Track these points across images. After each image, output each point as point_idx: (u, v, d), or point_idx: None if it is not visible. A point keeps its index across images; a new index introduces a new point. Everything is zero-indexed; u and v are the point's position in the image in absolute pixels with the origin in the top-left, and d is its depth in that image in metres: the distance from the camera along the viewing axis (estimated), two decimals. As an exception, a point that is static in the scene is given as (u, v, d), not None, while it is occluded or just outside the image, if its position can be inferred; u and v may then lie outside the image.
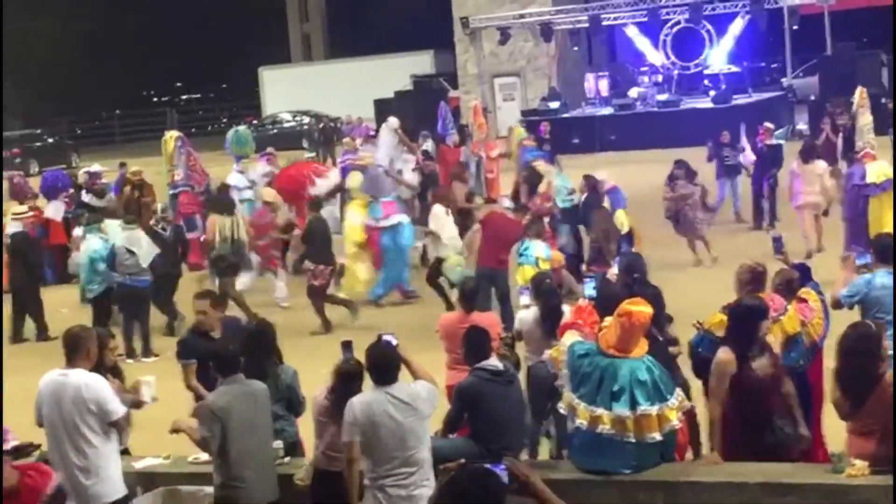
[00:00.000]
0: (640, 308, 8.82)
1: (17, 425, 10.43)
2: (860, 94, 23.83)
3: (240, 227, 18.96)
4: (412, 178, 22.97)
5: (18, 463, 7.73)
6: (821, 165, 20.37)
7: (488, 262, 16.32)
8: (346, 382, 8.80)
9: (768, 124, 24.43)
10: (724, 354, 8.90)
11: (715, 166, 24.00)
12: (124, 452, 9.64)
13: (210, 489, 9.00)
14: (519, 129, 22.22)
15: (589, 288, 11.12)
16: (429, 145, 27.06)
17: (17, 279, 19.41)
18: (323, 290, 18.02)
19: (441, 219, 18.30)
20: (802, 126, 37.11)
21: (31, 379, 10.76)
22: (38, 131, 55.29)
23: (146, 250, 17.41)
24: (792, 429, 8.98)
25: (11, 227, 20.14)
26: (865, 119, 23.34)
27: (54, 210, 23.34)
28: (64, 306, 20.85)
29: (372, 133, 35.76)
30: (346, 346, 9.19)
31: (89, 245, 17.75)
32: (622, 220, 17.73)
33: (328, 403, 8.87)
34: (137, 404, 9.42)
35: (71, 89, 67.83)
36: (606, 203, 18.58)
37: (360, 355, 8.87)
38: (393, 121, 24.10)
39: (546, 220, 18.01)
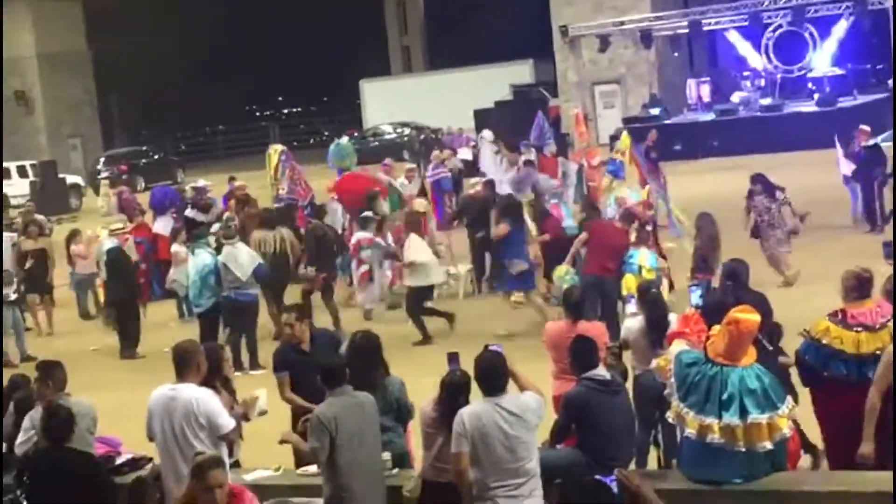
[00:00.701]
0: (748, 316, 8.74)
1: (126, 440, 10.61)
2: None
3: (284, 242, 19.11)
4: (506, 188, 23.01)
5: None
6: None
7: (595, 270, 16.25)
8: (453, 394, 8.81)
9: (864, 127, 24.08)
10: None
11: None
12: (234, 465, 9.74)
13: (319, 501, 9.04)
14: (625, 137, 21.69)
15: (695, 296, 11.03)
16: (532, 155, 26.94)
17: (114, 294, 19.63)
18: (307, 294, 18.39)
19: (413, 244, 18.28)
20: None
21: (133, 394, 10.98)
22: (144, 148, 56.17)
23: (245, 265, 17.46)
24: None
25: (106, 243, 20.28)
26: None
27: (163, 225, 23.64)
28: (172, 321, 21.14)
29: (473, 143, 35.79)
30: (453, 357, 9.19)
31: (199, 260, 17.85)
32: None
33: (436, 415, 8.88)
34: (245, 417, 9.53)
35: (175, 106, 68.84)
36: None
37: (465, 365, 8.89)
38: (487, 133, 24.13)
39: (648, 227, 17.88)
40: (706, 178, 26.93)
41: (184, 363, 8.99)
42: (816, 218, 21.16)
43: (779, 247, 19.20)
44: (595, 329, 11.26)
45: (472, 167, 31.28)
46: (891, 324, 9.39)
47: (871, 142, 23.56)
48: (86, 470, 8.89)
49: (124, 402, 14.22)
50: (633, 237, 16.84)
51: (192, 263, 17.99)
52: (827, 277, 16.71)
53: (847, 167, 23.29)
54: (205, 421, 8.72)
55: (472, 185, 22.82)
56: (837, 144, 23.91)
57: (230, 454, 9.17)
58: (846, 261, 11.25)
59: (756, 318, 8.76)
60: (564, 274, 16.98)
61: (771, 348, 9.65)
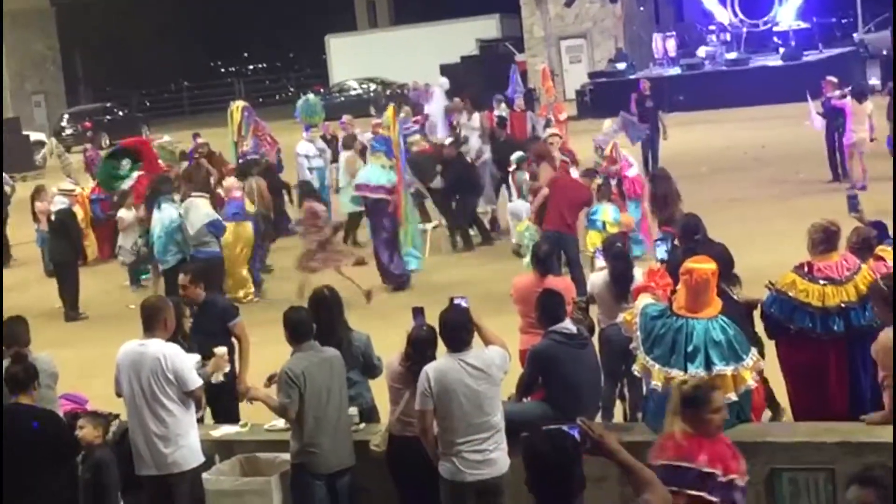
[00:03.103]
0: (702, 265, 8.80)
1: (93, 397, 10.57)
2: None
3: (252, 193, 19.24)
4: (477, 144, 22.96)
5: None
6: (870, 106, 21.64)
7: (555, 225, 16.26)
8: (420, 349, 8.82)
9: (831, 78, 24.07)
10: None
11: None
12: (199, 421, 9.75)
13: (286, 456, 9.07)
14: (389, 112, 19.58)
15: (660, 251, 11.06)
16: (503, 110, 26.85)
17: (57, 255, 19.47)
18: None
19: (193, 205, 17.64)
20: (875, 81, 36.54)
21: (99, 351, 10.96)
22: (109, 104, 55.73)
23: (195, 221, 17.14)
24: None
25: (56, 203, 20.04)
26: None
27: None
28: (126, 279, 20.91)
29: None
30: (418, 311, 9.18)
31: (165, 215, 17.65)
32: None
33: (402, 370, 8.89)
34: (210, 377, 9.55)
35: (140, 62, 68.33)
36: None
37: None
38: (444, 81, 23.92)
39: (614, 182, 17.91)
40: (672, 132, 27.04)
41: (152, 319, 8.99)
42: (785, 172, 21.30)
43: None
44: (562, 283, 11.29)
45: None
46: (856, 277, 9.44)
47: (837, 93, 23.56)
48: (45, 426, 8.83)
49: (90, 359, 14.21)
50: (594, 193, 16.87)
51: (158, 218, 17.77)
52: (795, 229, 16.87)
53: (820, 122, 23.29)
54: (172, 376, 8.73)
55: (417, 142, 22.75)
56: (809, 99, 23.89)
57: (196, 409, 9.18)
58: (812, 213, 11.31)
59: (710, 266, 8.81)
60: (524, 230, 16.99)
61: (736, 299, 9.69)
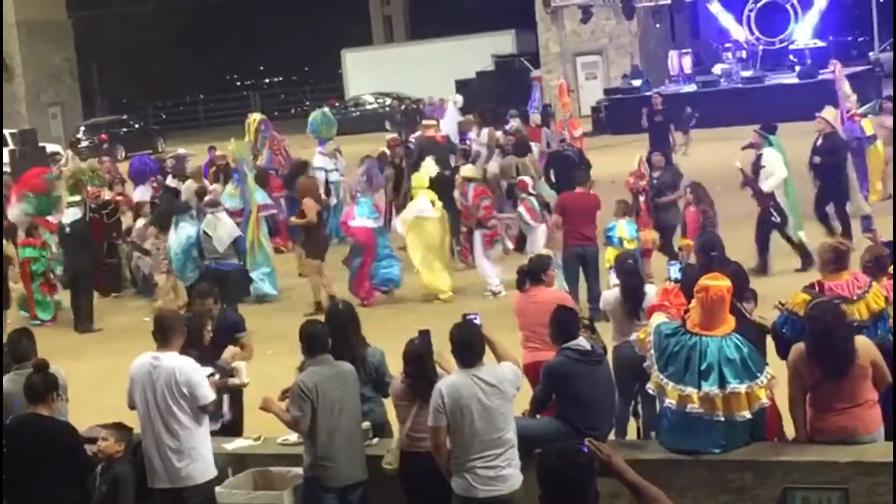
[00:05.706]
0: (717, 282, 8.79)
1: (106, 410, 10.58)
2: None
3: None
4: (492, 162, 23.01)
5: None
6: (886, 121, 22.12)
7: (574, 241, 16.28)
8: (414, 364, 8.85)
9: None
10: None
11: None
12: (224, 429, 9.80)
13: (299, 470, 9.07)
14: (236, 145, 20.76)
15: (674, 271, 11.07)
16: (519, 124, 26.86)
17: (73, 266, 19.41)
18: None
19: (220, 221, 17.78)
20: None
21: (112, 363, 11.00)
22: (125, 117, 55.90)
23: (224, 238, 17.34)
24: None
25: (69, 216, 20.00)
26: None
27: (141, 194, 23.55)
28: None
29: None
30: (423, 334, 9.15)
31: (182, 233, 17.73)
32: None
33: (404, 386, 8.92)
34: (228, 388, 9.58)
35: (156, 75, 68.52)
36: None
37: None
38: (458, 98, 24.08)
39: (641, 198, 17.93)
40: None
41: (168, 332, 9.01)
42: (799, 190, 21.14)
43: None
44: (553, 295, 11.29)
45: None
46: (867, 295, 9.44)
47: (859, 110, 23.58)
48: (61, 438, 8.86)
49: (104, 370, 14.24)
50: (615, 209, 16.88)
51: (175, 237, 17.87)
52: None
53: None
54: (186, 390, 8.75)
55: (428, 127, 22.95)
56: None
57: (212, 421, 9.21)
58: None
59: (725, 283, 8.80)
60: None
61: (750, 317, 9.68)
